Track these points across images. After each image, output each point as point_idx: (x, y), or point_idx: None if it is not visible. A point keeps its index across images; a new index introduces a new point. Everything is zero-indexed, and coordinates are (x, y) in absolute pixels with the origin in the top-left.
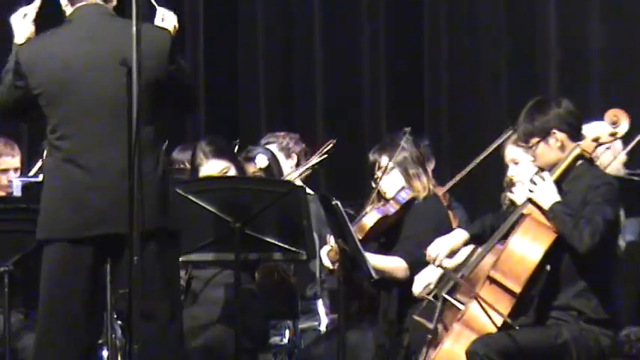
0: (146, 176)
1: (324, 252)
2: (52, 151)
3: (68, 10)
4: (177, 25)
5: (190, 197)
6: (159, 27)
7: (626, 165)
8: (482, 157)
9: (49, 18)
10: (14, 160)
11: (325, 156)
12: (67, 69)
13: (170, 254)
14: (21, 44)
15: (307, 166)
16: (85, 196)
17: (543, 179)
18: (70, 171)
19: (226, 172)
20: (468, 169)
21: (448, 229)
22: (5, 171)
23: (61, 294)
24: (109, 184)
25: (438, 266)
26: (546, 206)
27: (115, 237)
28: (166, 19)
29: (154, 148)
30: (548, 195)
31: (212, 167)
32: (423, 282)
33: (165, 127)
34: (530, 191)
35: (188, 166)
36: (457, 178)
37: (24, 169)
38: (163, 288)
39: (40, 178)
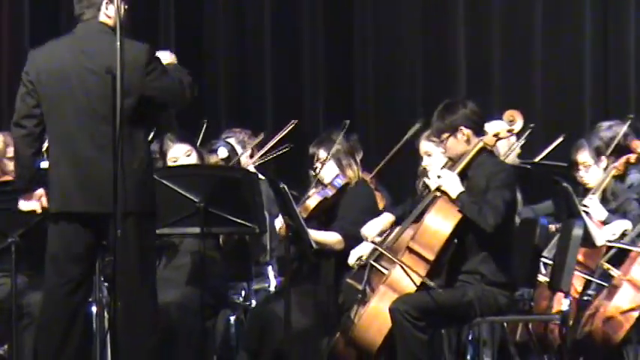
0: (126, 166)
1: (277, 224)
2: (51, 144)
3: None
4: (174, 59)
5: (164, 182)
6: (139, 43)
7: (520, 156)
8: (396, 148)
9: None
10: None
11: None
12: (64, 80)
13: (146, 230)
14: (33, 52)
15: (269, 147)
16: (80, 181)
17: (449, 173)
18: (68, 161)
19: (189, 154)
20: (387, 158)
21: (375, 208)
22: (12, 159)
23: (65, 259)
24: (97, 173)
25: (371, 242)
26: (454, 196)
27: (103, 215)
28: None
29: (133, 141)
30: (454, 186)
31: (177, 150)
32: (357, 255)
33: (149, 124)
34: (439, 184)
35: (158, 156)
36: (380, 165)
37: None
38: (139, 257)
39: (42, 165)
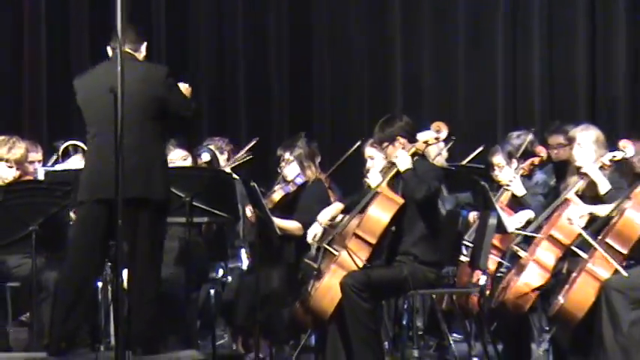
0: (156, 160)
1: (248, 214)
2: (88, 148)
3: (110, 53)
4: (189, 88)
5: None
6: (159, 66)
7: (447, 159)
8: (347, 154)
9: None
10: (38, 155)
11: (248, 154)
12: (101, 95)
13: (152, 216)
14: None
15: (239, 156)
16: (100, 172)
17: (402, 152)
18: (97, 156)
19: (186, 158)
20: (340, 161)
21: (328, 202)
22: (32, 162)
23: (85, 241)
24: (113, 167)
25: (323, 226)
26: (402, 169)
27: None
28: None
29: (155, 140)
30: (405, 164)
31: (176, 154)
32: (312, 233)
33: (165, 129)
34: (395, 162)
35: None
36: (334, 167)
37: (45, 161)
38: (147, 240)
39: (57, 167)
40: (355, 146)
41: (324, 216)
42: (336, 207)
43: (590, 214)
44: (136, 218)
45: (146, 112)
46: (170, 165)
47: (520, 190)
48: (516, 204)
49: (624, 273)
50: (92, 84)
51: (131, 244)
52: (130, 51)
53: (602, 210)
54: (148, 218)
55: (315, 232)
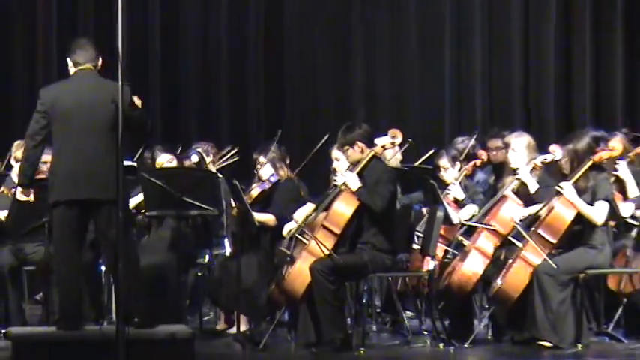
0: (111, 163)
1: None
2: (54, 150)
3: (72, 70)
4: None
5: (153, 179)
6: (124, 85)
7: (402, 162)
8: (311, 154)
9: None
10: (48, 157)
11: (230, 156)
12: (69, 107)
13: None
14: (44, 89)
15: (222, 161)
16: (77, 175)
17: (351, 174)
18: (68, 164)
19: (171, 161)
20: (305, 161)
21: (298, 197)
22: (46, 162)
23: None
24: (89, 172)
25: (297, 222)
26: (354, 189)
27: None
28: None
29: (114, 148)
30: (354, 183)
31: (163, 158)
32: (287, 229)
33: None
34: (344, 181)
35: (150, 162)
36: (300, 166)
37: None
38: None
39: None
40: (315, 149)
41: (299, 214)
42: (310, 207)
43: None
44: (107, 214)
45: (108, 124)
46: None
47: (460, 195)
48: (463, 200)
49: (553, 265)
50: (70, 96)
51: (102, 235)
52: (91, 66)
53: (538, 209)
54: (108, 214)
55: (289, 227)
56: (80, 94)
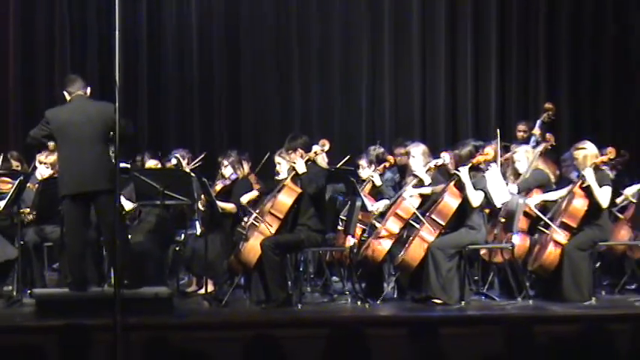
0: (100, 164)
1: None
2: (59, 156)
3: (68, 97)
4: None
5: (141, 177)
6: (108, 104)
7: (328, 163)
8: (264, 160)
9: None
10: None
11: (200, 160)
12: (68, 124)
13: (108, 198)
14: (49, 111)
15: (194, 163)
16: (77, 174)
17: (301, 164)
18: (69, 166)
19: (157, 164)
20: (260, 165)
21: (252, 190)
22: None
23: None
24: (86, 171)
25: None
26: (300, 172)
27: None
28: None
29: (104, 153)
30: (301, 169)
31: (151, 162)
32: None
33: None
34: (294, 169)
35: (140, 165)
36: (257, 169)
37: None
38: (109, 214)
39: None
40: (267, 156)
41: (245, 198)
42: (254, 194)
43: (420, 195)
44: (104, 202)
45: (99, 136)
46: (146, 168)
47: (378, 181)
48: (376, 193)
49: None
50: (69, 116)
51: (100, 218)
52: (82, 93)
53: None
54: (105, 201)
55: (246, 199)
56: (74, 114)
